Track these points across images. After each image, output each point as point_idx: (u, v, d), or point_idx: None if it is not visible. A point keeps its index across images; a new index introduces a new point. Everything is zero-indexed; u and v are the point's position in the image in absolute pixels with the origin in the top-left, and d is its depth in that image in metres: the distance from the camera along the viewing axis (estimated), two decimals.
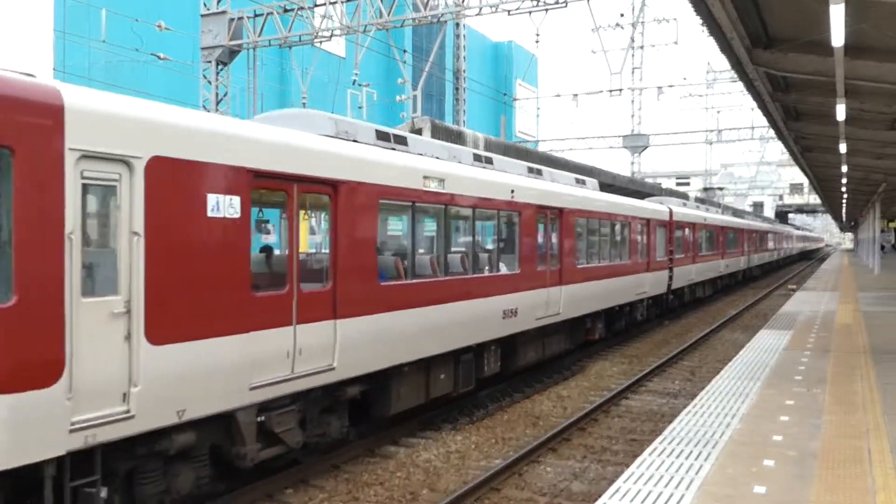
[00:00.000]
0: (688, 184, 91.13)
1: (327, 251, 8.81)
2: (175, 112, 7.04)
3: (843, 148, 19.12)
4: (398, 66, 33.29)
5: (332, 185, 8.57)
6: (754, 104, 16.75)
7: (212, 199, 7.03)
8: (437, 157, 11.38)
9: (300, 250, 8.29)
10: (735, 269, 37.53)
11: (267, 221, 8.50)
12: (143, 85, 37.75)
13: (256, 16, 23.40)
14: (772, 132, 26.12)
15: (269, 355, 7.62)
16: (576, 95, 38.10)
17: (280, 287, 7.93)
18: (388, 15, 21.82)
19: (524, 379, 14.42)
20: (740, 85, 15.70)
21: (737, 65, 12.35)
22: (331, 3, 22.17)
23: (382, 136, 10.29)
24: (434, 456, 9.95)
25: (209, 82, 23.90)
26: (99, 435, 6.04)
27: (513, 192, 12.85)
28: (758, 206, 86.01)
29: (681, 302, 27.09)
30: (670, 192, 42.81)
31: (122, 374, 6.23)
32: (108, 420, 6.11)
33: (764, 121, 22.45)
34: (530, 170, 14.72)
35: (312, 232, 9.05)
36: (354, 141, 9.68)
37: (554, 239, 14.80)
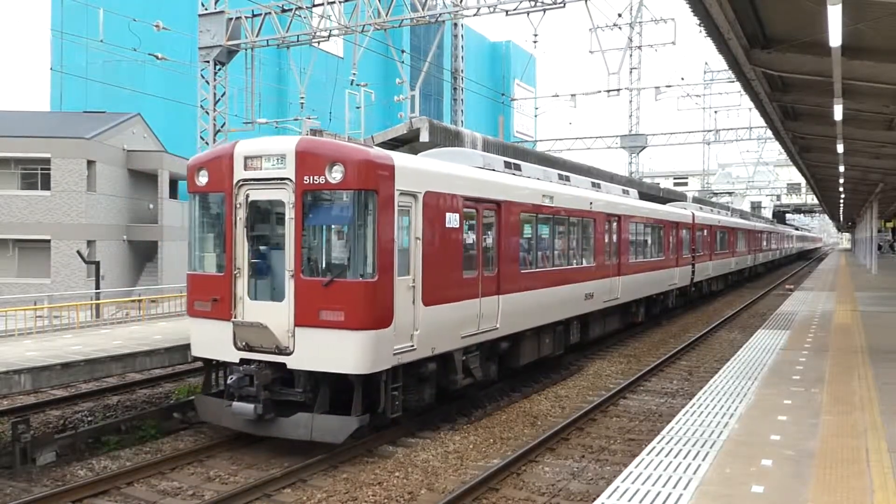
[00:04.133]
0: (685, 184, 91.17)
1: (494, 248, 12.47)
2: (433, 163, 11.64)
3: (840, 148, 19.12)
4: (396, 66, 33.27)
5: (497, 204, 12.50)
6: (752, 104, 16.77)
7: (447, 216, 10.93)
8: (538, 178, 15.06)
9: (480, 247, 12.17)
10: (743, 266, 40.76)
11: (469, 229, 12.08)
12: (140, 85, 37.87)
13: (254, 15, 23.30)
14: (769, 132, 26.14)
15: (468, 316, 11.50)
16: (574, 95, 37.95)
17: (473, 272, 11.71)
18: (386, 15, 21.79)
19: (522, 379, 14.45)
20: (738, 85, 15.72)
21: (734, 65, 12.35)
22: (329, 3, 22.13)
23: (507, 165, 14.15)
24: (432, 456, 9.96)
25: (207, 82, 23.85)
26: (402, 359, 9.95)
27: (591, 203, 16.89)
28: (756, 207, 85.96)
29: (700, 293, 30.41)
30: (668, 192, 42.90)
31: (411, 322, 10.11)
32: (405, 350, 10.01)
33: (761, 121, 22.48)
34: (593, 184, 18.54)
35: (486, 235, 12.44)
36: (493, 169, 13.34)
37: (615, 239, 18.54)
